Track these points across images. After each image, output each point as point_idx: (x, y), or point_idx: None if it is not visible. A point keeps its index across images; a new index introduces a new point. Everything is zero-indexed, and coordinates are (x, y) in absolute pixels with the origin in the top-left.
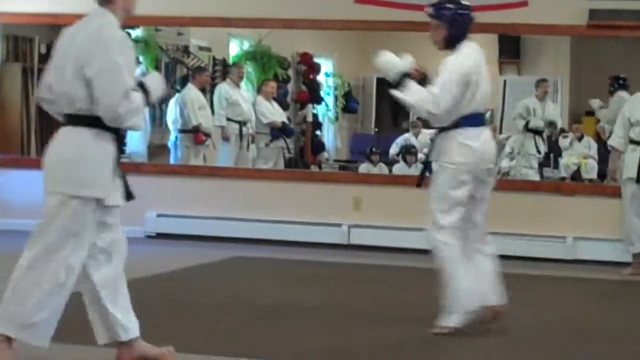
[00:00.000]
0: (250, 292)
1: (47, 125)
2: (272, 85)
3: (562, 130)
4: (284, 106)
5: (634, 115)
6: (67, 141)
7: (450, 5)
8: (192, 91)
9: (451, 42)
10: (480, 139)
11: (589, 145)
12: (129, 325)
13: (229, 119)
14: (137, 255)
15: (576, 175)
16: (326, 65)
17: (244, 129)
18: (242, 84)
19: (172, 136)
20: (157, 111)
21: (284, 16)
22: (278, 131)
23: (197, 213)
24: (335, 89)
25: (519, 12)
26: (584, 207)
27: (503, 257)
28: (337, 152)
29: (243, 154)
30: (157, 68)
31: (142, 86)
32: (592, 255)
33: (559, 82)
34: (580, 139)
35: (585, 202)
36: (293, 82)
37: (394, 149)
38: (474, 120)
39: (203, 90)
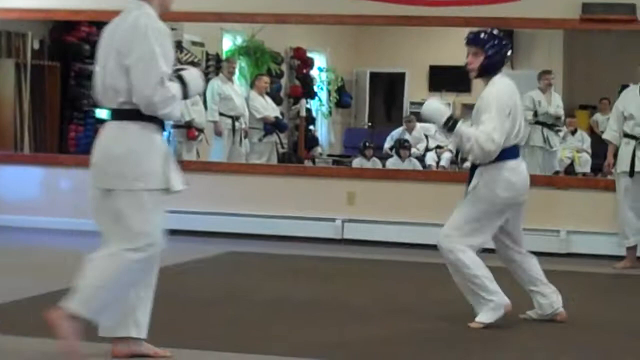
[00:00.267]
0: (244, 287)
1: (40, 122)
2: (266, 80)
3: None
4: (277, 101)
5: (627, 109)
6: (115, 137)
7: (490, 35)
8: None
9: (487, 71)
10: (520, 172)
11: (583, 139)
12: (143, 322)
13: (221, 114)
14: None
15: (570, 169)
16: (319, 60)
17: (236, 123)
18: (235, 78)
19: (166, 131)
20: None
21: (277, 11)
22: (271, 126)
23: (191, 208)
24: (329, 83)
25: (511, 6)
26: (578, 200)
27: (493, 250)
28: (331, 146)
29: (236, 148)
30: None
31: (180, 79)
32: (586, 249)
33: (552, 76)
34: (573, 132)
35: (578, 196)
36: (286, 76)
37: (388, 143)
38: (514, 152)
39: None
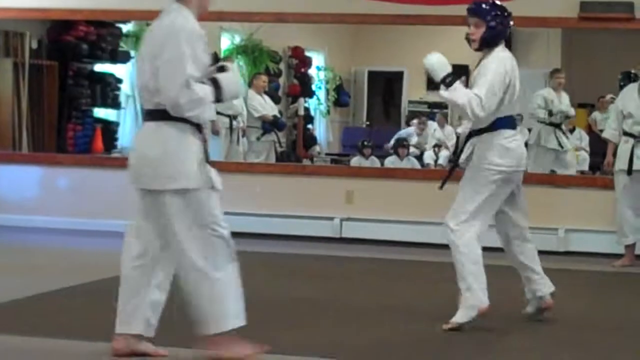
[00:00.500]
0: (241, 286)
1: (38, 121)
2: (264, 79)
3: None
4: (276, 100)
5: (626, 107)
6: (151, 138)
7: (491, 5)
8: None
9: (488, 43)
10: (516, 140)
11: (581, 137)
12: (154, 321)
13: (219, 113)
14: None
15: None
16: (318, 59)
17: (234, 122)
18: None
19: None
20: None
21: (275, 10)
22: (269, 125)
23: None
24: (327, 82)
25: (510, 4)
26: (576, 199)
27: (494, 249)
28: (329, 145)
29: (233, 147)
30: None
31: (215, 81)
32: (584, 247)
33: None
34: (572, 131)
35: (577, 194)
36: (284, 75)
37: (393, 142)
38: (510, 122)
39: None
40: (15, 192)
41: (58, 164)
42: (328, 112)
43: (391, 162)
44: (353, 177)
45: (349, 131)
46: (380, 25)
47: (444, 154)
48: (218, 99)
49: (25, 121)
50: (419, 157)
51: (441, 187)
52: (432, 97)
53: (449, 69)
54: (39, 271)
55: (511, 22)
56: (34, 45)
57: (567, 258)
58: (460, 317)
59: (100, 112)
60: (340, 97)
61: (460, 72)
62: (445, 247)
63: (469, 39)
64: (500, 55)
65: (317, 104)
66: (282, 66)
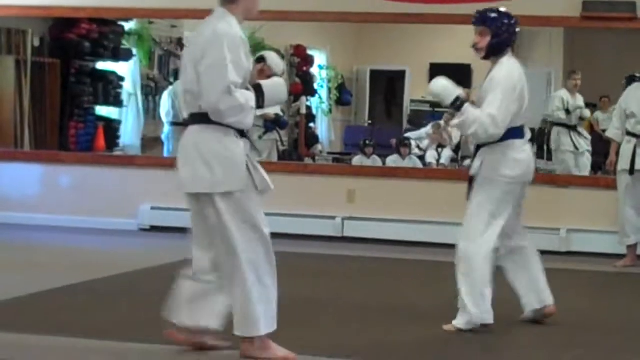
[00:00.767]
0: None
1: (40, 119)
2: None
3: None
4: None
5: (629, 107)
6: (197, 141)
7: (496, 13)
8: None
9: (495, 51)
10: (525, 151)
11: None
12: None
13: None
14: (131, 247)
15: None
16: (320, 58)
17: None
18: None
19: (166, 129)
20: (151, 104)
21: (278, 8)
22: (271, 123)
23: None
24: (329, 81)
25: (512, 3)
26: (578, 199)
27: (496, 250)
28: (331, 144)
29: None
30: (150, 60)
31: (258, 88)
32: (586, 247)
33: (553, 74)
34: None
35: (579, 194)
36: (287, 74)
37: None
38: (520, 132)
39: None
40: (17, 190)
41: (60, 162)
42: (330, 110)
43: (393, 161)
44: (355, 176)
45: (351, 130)
46: (383, 24)
47: (446, 154)
48: (260, 105)
49: (27, 119)
50: (421, 157)
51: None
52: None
53: (456, 93)
54: (41, 269)
55: (517, 29)
56: (36, 43)
57: (569, 258)
58: (463, 324)
59: (102, 110)
60: (342, 95)
61: (463, 72)
62: (448, 246)
63: (476, 48)
64: (509, 66)
65: (319, 102)
66: (284, 63)
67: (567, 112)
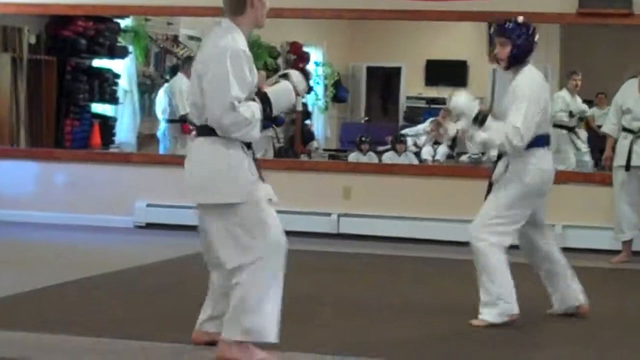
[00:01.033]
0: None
1: (36, 116)
2: (262, 74)
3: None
4: None
5: (625, 103)
6: (204, 153)
7: (517, 24)
8: (181, 81)
9: (517, 60)
10: (548, 160)
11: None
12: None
13: None
14: (128, 245)
15: None
16: (316, 55)
17: None
18: None
19: (162, 126)
20: (147, 101)
21: (273, 5)
22: (267, 120)
23: (187, 203)
24: (325, 78)
25: (508, 0)
26: (574, 195)
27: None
28: (327, 141)
29: None
30: (146, 57)
31: (264, 97)
32: (582, 243)
33: (549, 70)
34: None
35: (574, 190)
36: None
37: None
38: (543, 141)
39: None
40: (12, 187)
41: (55, 159)
42: (326, 107)
43: (389, 157)
44: (351, 173)
45: (347, 127)
46: (379, 20)
47: (442, 150)
48: (268, 114)
49: (23, 116)
50: (417, 153)
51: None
52: (430, 92)
53: (477, 107)
54: (36, 266)
55: (537, 38)
56: (32, 41)
57: (565, 254)
58: (492, 317)
59: (97, 108)
60: (338, 92)
61: (459, 68)
62: (443, 242)
63: (497, 59)
64: (531, 76)
65: (316, 99)
66: (280, 62)
67: (570, 114)
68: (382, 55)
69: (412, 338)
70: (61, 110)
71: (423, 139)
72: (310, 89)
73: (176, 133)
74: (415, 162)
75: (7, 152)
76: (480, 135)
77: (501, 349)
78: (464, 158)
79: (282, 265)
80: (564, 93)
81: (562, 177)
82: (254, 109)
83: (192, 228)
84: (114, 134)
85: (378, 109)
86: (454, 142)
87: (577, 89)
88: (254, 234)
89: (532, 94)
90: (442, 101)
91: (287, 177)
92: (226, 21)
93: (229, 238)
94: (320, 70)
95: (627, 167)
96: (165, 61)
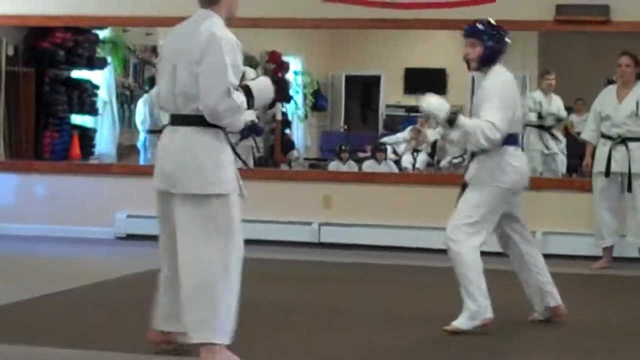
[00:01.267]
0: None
1: (15, 128)
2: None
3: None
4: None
5: (604, 109)
6: (193, 143)
7: (487, 25)
8: None
9: (486, 62)
10: (521, 157)
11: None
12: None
13: None
14: (108, 256)
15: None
16: (295, 64)
17: None
18: None
19: (141, 137)
20: (127, 112)
21: (251, 15)
22: (247, 130)
23: None
24: (304, 87)
25: (486, 8)
26: (553, 201)
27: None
28: (307, 150)
29: None
30: (125, 68)
31: (247, 89)
32: (562, 250)
33: (527, 77)
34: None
35: (554, 197)
36: None
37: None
38: (514, 140)
39: None
40: None
41: (35, 171)
42: (306, 116)
43: (369, 166)
44: (331, 182)
45: (327, 135)
46: (358, 29)
47: (422, 158)
48: (250, 105)
49: (1, 128)
50: (397, 162)
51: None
52: (409, 101)
53: (448, 108)
54: (16, 278)
55: (507, 40)
56: (10, 52)
57: (545, 260)
58: (463, 324)
59: (77, 119)
60: (317, 101)
61: (438, 76)
62: (424, 250)
63: (467, 59)
64: (501, 75)
65: (295, 108)
66: (259, 71)
67: (539, 115)
68: (361, 64)
69: (390, 346)
70: (40, 122)
71: (403, 147)
72: (289, 98)
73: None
74: (396, 170)
75: None
76: (454, 134)
77: (479, 355)
78: (444, 163)
79: (240, 267)
80: (536, 94)
81: (541, 184)
82: (242, 98)
83: None
84: (93, 145)
85: (357, 118)
86: (433, 150)
87: (551, 87)
88: (230, 228)
89: (502, 91)
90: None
91: (267, 186)
92: (203, 11)
93: (202, 229)
94: (299, 79)
95: (607, 173)
96: (144, 72)
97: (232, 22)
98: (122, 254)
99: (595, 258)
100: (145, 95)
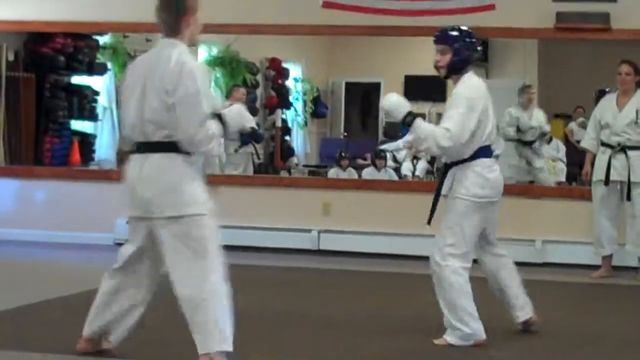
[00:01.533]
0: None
1: (15, 133)
2: (243, 91)
3: None
4: (253, 111)
5: (604, 117)
6: (165, 168)
7: (457, 32)
8: None
9: (456, 68)
10: (494, 170)
11: (558, 148)
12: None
13: None
14: (107, 262)
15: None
16: (295, 71)
17: None
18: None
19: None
20: None
21: (251, 22)
22: (247, 137)
23: None
24: (304, 94)
25: (486, 15)
26: (553, 210)
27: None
28: (307, 157)
29: (210, 160)
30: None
31: (220, 117)
32: (562, 259)
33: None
34: (549, 141)
35: (553, 205)
36: (262, 87)
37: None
38: (487, 152)
39: None
40: None
41: (35, 177)
42: (306, 123)
43: (369, 173)
44: (330, 189)
45: (327, 142)
46: (357, 36)
47: (421, 166)
48: (224, 134)
49: (1, 134)
50: (397, 169)
51: (429, 223)
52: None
53: (408, 109)
54: (16, 284)
55: (478, 47)
56: (11, 58)
57: (545, 269)
58: (454, 341)
59: (77, 125)
60: (317, 108)
61: (438, 84)
62: (424, 258)
63: (437, 67)
64: (471, 83)
65: (295, 115)
66: (259, 78)
67: (518, 129)
68: (361, 71)
69: (392, 355)
70: (40, 128)
71: (403, 153)
72: (289, 105)
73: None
74: (395, 177)
75: None
76: (409, 137)
77: None
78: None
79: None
80: (513, 109)
81: (541, 192)
82: (216, 125)
83: None
84: (93, 151)
85: (357, 125)
86: (433, 158)
87: (530, 102)
88: (206, 246)
89: (468, 101)
90: (422, 117)
91: (266, 193)
92: (168, 40)
93: (185, 249)
94: (299, 86)
95: (607, 181)
96: None
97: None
98: None
99: (595, 267)
100: None
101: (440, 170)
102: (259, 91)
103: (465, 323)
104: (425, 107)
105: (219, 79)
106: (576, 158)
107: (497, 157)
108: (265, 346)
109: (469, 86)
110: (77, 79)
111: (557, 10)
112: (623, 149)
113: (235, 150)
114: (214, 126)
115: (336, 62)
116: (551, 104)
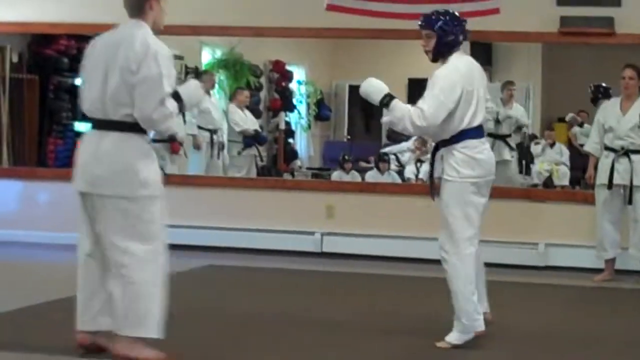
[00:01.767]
0: (222, 301)
1: (19, 135)
2: (246, 94)
3: (534, 137)
4: (257, 114)
5: (607, 121)
6: (122, 147)
7: (441, 16)
8: None
9: (441, 53)
10: (483, 150)
11: (561, 152)
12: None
13: (199, 127)
14: None
15: (548, 182)
16: (298, 73)
17: (214, 137)
18: (213, 92)
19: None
20: None
21: (254, 24)
22: (251, 139)
23: (170, 222)
24: (308, 96)
25: (490, 19)
26: (556, 213)
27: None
28: (310, 159)
29: (213, 162)
30: None
31: (176, 94)
32: (564, 262)
33: (531, 89)
34: (552, 145)
35: (557, 209)
36: (265, 90)
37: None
38: (476, 132)
39: None
40: None
41: (39, 178)
42: (309, 126)
43: (372, 176)
44: (334, 192)
45: (330, 145)
46: (361, 39)
47: (425, 169)
48: (180, 109)
49: (5, 135)
50: (400, 172)
51: (433, 199)
52: None
53: (385, 91)
54: (19, 285)
55: (464, 30)
56: (15, 59)
57: (548, 273)
58: (456, 339)
59: (81, 126)
60: (321, 111)
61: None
62: (427, 261)
63: (425, 52)
64: (453, 63)
65: (298, 118)
66: (263, 80)
67: (497, 121)
68: (365, 73)
69: (394, 357)
70: (44, 129)
71: (407, 156)
72: (293, 108)
73: (163, 152)
74: (399, 180)
75: None
76: (385, 118)
77: None
78: None
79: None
80: (493, 103)
81: (544, 196)
82: (174, 104)
83: (176, 247)
84: None
85: (361, 128)
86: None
87: (512, 98)
88: (152, 229)
89: (446, 81)
90: None
91: (270, 195)
92: (133, 20)
93: (131, 230)
94: (303, 88)
95: (610, 185)
96: None
97: (159, 33)
98: None
99: (598, 270)
100: None
101: (431, 152)
102: (263, 94)
103: (465, 313)
104: None
105: (223, 81)
106: (580, 162)
107: None
108: (268, 348)
109: (448, 67)
110: (80, 81)
111: (561, 15)
112: (626, 153)
113: (239, 153)
114: (172, 105)
115: (340, 64)
116: (555, 108)
